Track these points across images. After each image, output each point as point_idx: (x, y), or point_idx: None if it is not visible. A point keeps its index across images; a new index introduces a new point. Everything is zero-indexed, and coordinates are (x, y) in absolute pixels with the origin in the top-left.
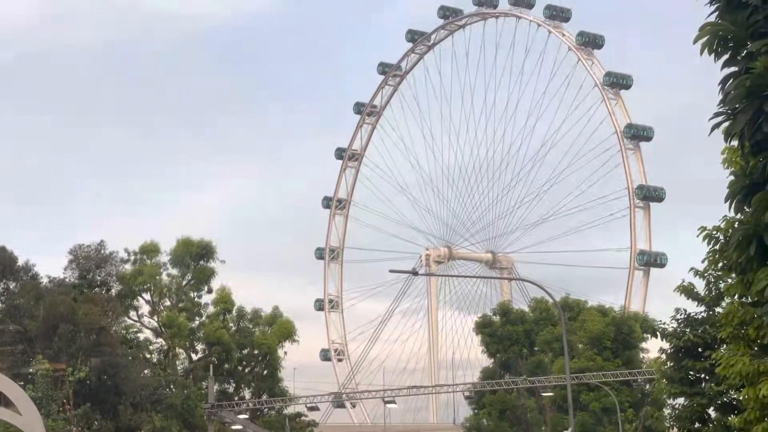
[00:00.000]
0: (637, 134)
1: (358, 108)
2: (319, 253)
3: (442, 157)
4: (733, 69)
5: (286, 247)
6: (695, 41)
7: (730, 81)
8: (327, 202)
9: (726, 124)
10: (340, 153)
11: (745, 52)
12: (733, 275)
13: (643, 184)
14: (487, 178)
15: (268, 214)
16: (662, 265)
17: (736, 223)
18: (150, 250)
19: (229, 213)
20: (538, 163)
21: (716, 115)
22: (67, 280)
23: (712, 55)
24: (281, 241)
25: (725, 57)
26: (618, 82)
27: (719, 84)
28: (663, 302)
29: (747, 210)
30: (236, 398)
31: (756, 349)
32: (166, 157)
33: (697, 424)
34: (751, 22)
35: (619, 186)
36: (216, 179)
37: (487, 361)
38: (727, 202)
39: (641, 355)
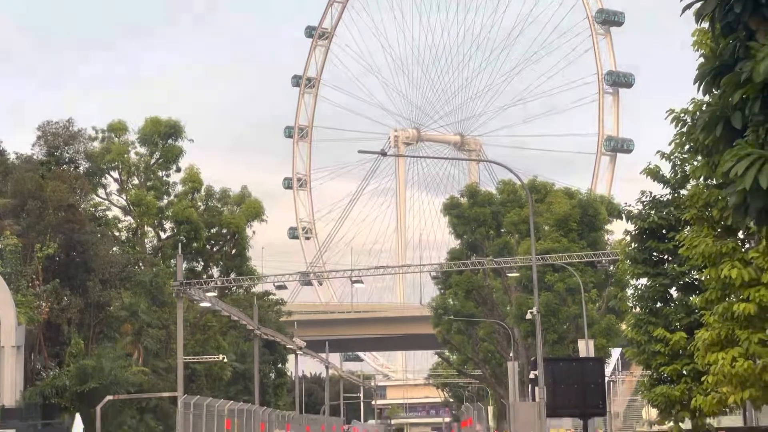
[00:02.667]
0: (608, 19)
1: None
2: (288, 132)
3: (413, 38)
4: None
5: (256, 127)
6: None
7: None
8: (296, 81)
9: (697, 5)
10: (310, 31)
11: None
12: (699, 157)
13: (612, 70)
14: (457, 61)
15: (238, 93)
16: (629, 151)
17: (704, 105)
18: (118, 128)
19: (198, 92)
20: (508, 47)
21: None
22: (35, 156)
23: None
24: (251, 121)
25: None
26: None
27: None
28: (628, 187)
29: (715, 92)
30: (204, 276)
31: (719, 230)
32: (135, 30)
33: (659, 304)
34: None
35: (588, 71)
36: (185, 57)
37: (454, 242)
38: (696, 84)
39: (606, 237)
